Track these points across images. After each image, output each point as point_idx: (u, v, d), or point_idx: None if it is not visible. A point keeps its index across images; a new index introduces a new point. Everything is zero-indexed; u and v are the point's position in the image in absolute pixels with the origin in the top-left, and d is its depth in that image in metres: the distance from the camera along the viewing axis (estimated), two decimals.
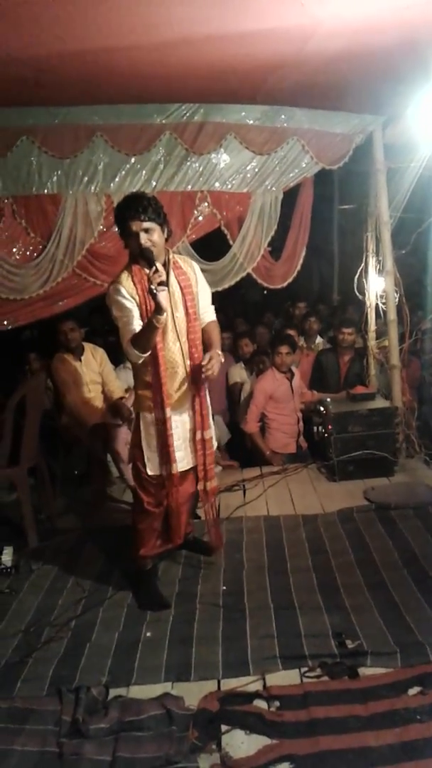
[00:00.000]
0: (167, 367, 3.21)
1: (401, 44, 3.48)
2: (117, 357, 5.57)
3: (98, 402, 4.96)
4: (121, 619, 3.28)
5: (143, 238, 3.05)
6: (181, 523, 3.54)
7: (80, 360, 4.95)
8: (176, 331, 3.24)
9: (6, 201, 4.65)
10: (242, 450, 5.68)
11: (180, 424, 3.33)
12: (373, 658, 2.79)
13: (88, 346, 5.05)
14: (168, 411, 3.22)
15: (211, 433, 3.47)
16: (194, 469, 3.45)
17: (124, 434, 4.69)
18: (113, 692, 2.71)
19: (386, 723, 2.42)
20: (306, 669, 2.77)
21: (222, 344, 6.18)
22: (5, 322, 4.86)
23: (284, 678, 2.73)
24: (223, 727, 2.46)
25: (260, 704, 2.58)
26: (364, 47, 3.54)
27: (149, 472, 3.33)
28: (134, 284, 3.13)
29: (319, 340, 6.37)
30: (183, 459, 3.36)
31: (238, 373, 6.04)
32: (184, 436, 3.37)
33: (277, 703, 2.58)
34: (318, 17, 3.13)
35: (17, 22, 2.98)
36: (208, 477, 3.47)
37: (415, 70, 3.78)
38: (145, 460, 3.32)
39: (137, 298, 3.12)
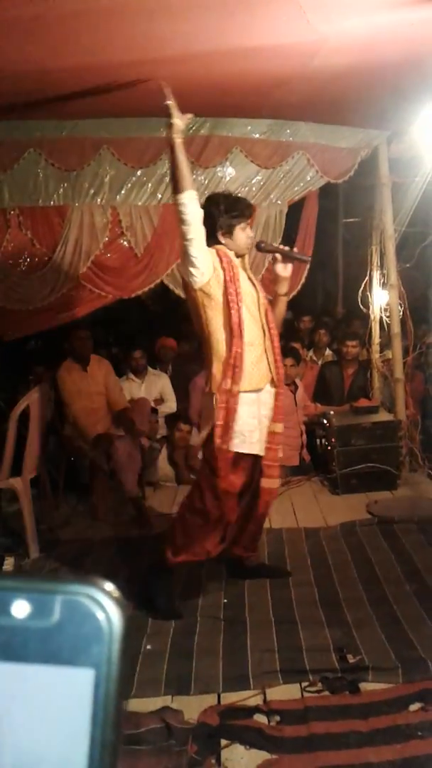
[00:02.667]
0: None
1: (406, 60, 3.51)
2: (121, 369, 5.59)
3: (102, 413, 4.96)
4: None
5: (249, 234, 3.27)
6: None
7: (86, 370, 4.96)
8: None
9: (12, 212, 4.69)
10: None
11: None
12: (375, 673, 2.77)
13: (93, 357, 5.06)
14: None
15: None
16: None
17: (126, 445, 4.69)
18: None
19: (387, 739, 2.40)
20: (307, 683, 2.75)
21: None
22: (10, 332, 4.88)
23: (285, 692, 2.72)
24: (223, 742, 2.44)
25: (260, 719, 2.56)
26: (369, 63, 3.57)
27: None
28: (219, 258, 3.16)
29: (327, 352, 6.37)
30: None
31: None
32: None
33: (277, 718, 2.56)
34: (324, 33, 3.16)
35: (25, 37, 3.02)
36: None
37: (420, 86, 3.81)
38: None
39: (219, 270, 3.13)
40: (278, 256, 3.44)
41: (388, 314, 5.37)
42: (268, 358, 3.23)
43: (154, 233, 4.91)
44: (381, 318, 5.54)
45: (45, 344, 6.60)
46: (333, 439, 4.99)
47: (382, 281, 5.48)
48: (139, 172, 4.78)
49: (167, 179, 4.82)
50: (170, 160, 3.01)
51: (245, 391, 3.13)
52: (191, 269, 3.06)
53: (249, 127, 4.85)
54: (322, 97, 4.24)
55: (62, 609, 0.35)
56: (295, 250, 3.50)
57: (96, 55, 3.34)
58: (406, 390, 5.28)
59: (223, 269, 3.12)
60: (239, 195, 3.66)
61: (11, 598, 0.35)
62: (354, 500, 4.78)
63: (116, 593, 0.36)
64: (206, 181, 4.90)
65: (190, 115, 3.03)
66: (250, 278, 3.27)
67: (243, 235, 3.23)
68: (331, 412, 5.22)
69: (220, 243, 3.20)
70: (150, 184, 4.84)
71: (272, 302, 3.43)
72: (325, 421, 5.21)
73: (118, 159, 4.69)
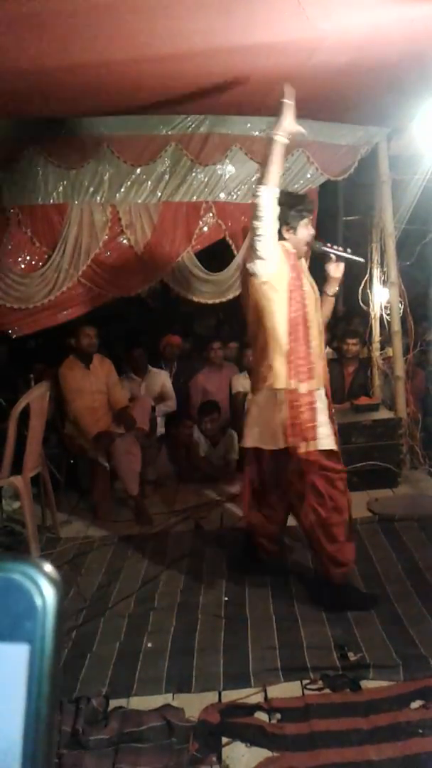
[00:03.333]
0: None
1: (406, 57, 3.49)
2: (121, 367, 5.59)
3: (102, 411, 4.96)
4: (122, 629, 3.27)
5: (311, 231, 3.34)
6: None
7: (88, 368, 4.96)
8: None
9: (12, 211, 4.68)
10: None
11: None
12: (376, 671, 2.77)
13: (96, 356, 5.05)
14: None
15: None
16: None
17: (126, 444, 4.69)
18: (113, 703, 2.70)
19: (388, 736, 2.40)
20: (308, 681, 2.76)
21: (227, 353, 6.22)
22: (10, 331, 4.88)
23: (286, 690, 2.72)
24: (224, 740, 2.45)
25: (261, 716, 2.57)
26: (369, 60, 3.56)
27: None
28: (286, 254, 3.22)
29: (328, 350, 6.36)
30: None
31: (242, 383, 6.02)
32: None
33: (278, 716, 2.57)
34: (323, 30, 3.15)
35: (24, 34, 3.01)
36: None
37: (421, 83, 3.79)
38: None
39: (286, 266, 3.19)
40: (332, 256, 3.46)
41: (388, 312, 5.37)
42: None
43: (154, 231, 4.90)
44: (381, 316, 5.53)
45: (45, 342, 6.59)
46: None
47: (382, 279, 5.47)
48: (138, 170, 4.76)
49: (167, 177, 4.83)
50: (266, 154, 3.12)
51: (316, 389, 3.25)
52: (259, 262, 3.12)
53: (248, 125, 4.84)
54: (321, 95, 4.22)
55: None
56: (349, 250, 3.50)
57: (95, 53, 3.32)
58: (407, 388, 5.27)
59: (290, 266, 3.19)
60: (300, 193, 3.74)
61: None
62: (355, 498, 4.70)
63: (52, 572, 0.36)
64: (206, 179, 4.89)
65: (302, 130, 3.18)
66: (308, 279, 3.34)
67: (306, 231, 3.30)
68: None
69: (283, 239, 3.23)
70: (150, 182, 4.83)
71: (321, 300, 3.47)
72: None
73: (117, 157, 4.69)
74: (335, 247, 3.50)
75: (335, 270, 3.47)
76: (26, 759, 0.34)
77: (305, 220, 3.30)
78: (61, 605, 0.36)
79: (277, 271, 3.14)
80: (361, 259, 3.87)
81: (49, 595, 0.36)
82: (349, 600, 3.32)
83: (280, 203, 3.17)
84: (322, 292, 3.48)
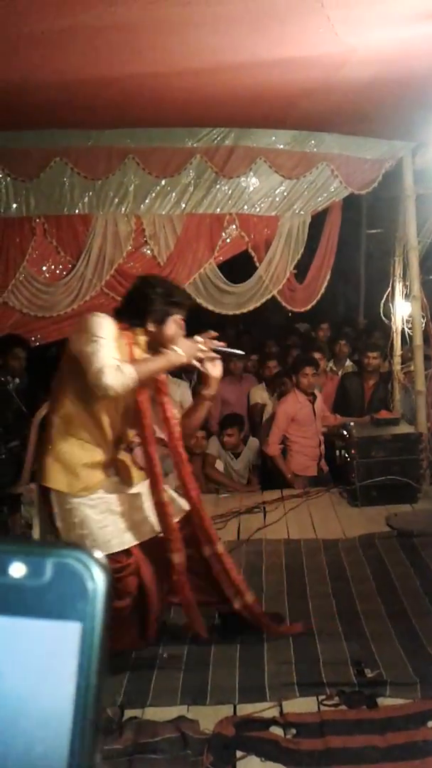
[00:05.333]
0: None
1: None
2: None
3: None
4: None
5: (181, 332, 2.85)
6: None
7: None
8: None
9: (38, 220, 4.74)
10: (263, 472, 5.66)
11: None
12: (393, 688, 2.74)
13: None
14: None
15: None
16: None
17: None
18: (128, 713, 2.69)
19: (404, 755, 2.37)
20: (324, 697, 2.73)
21: (247, 365, 6.22)
22: (33, 339, 4.93)
23: (301, 705, 2.70)
24: (238, 753, 2.43)
25: (276, 731, 2.55)
26: (396, 74, 3.57)
27: None
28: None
29: (348, 363, 6.35)
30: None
31: (260, 394, 6.03)
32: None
33: (293, 731, 2.54)
34: (351, 45, 3.17)
35: (54, 48, 3.06)
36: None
37: None
38: None
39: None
40: (212, 354, 2.85)
41: (410, 326, 5.34)
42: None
43: (177, 242, 4.94)
44: (403, 329, 5.51)
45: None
46: (353, 451, 4.96)
47: (404, 293, 5.46)
48: (163, 182, 4.81)
49: (191, 189, 4.87)
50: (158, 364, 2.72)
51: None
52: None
53: (273, 138, 4.87)
54: (347, 108, 4.25)
55: (54, 570, 0.40)
56: (223, 344, 2.92)
57: (125, 67, 3.37)
58: (428, 402, 5.24)
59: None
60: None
61: (9, 561, 0.40)
62: (373, 512, 4.74)
63: (101, 558, 0.41)
64: (230, 191, 4.92)
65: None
66: None
67: (175, 328, 2.80)
68: (352, 424, 5.20)
69: (143, 329, 2.77)
70: (174, 194, 4.88)
71: (195, 405, 3.05)
72: (345, 433, 5.19)
73: (142, 168, 4.73)
74: (214, 342, 2.88)
75: (213, 368, 2.84)
76: (76, 725, 0.39)
77: (177, 316, 2.82)
78: (109, 588, 0.40)
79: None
80: (241, 352, 3.47)
81: (99, 578, 0.40)
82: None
83: (154, 289, 2.80)
84: (195, 394, 3.02)
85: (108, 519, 2.81)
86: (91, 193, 4.76)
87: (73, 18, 2.73)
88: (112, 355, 2.56)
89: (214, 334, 2.91)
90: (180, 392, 5.87)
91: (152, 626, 3.05)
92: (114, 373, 2.49)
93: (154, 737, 2.51)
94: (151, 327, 2.78)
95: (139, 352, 2.76)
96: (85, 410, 2.74)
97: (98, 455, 2.80)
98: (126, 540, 2.84)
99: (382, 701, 2.68)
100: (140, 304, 2.78)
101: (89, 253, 4.80)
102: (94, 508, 2.77)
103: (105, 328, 2.65)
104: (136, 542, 2.87)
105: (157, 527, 2.92)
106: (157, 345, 2.79)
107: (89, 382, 2.53)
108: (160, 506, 2.87)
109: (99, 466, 2.80)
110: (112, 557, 2.72)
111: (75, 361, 2.65)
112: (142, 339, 2.79)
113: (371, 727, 2.52)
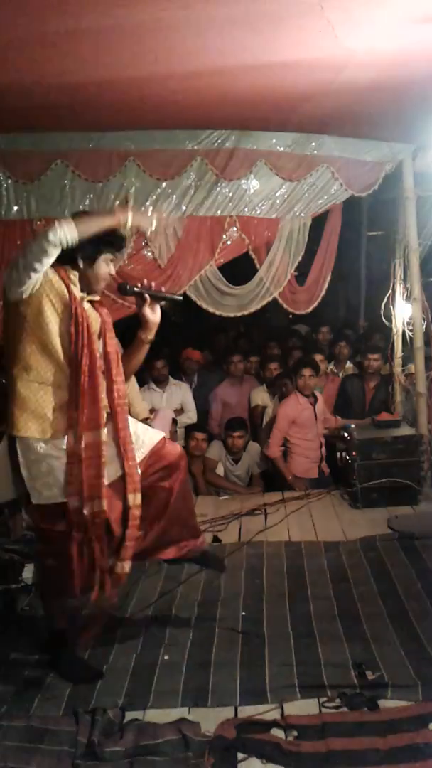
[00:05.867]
0: None
1: None
2: (142, 378, 5.62)
3: None
4: (139, 641, 3.26)
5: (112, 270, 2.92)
6: None
7: None
8: None
9: (38, 223, 4.74)
10: (264, 474, 5.66)
11: None
12: (394, 690, 2.74)
13: None
14: None
15: None
16: None
17: None
18: (129, 715, 2.69)
19: (406, 758, 2.37)
20: (325, 699, 2.73)
21: (247, 367, 6.23)
22: None
23: (302, 707, 2.70)
24: (240, 755, 2.43)
25: (277, 733, 2.55)
26: (396, 78, 3.58)
27: None
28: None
29: (348, 365, 6.35)
30: None
31: (261, 396, 6.04)
32: None
33: (294, 733, 2.54)
34: (351, 48, 3.18)
35: (55, 51, 3.07)
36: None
37: None
38: None
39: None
40: (147, 297, 2.98)
41: (411, 328, 5.35)
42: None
43: (178, 244, 4.94)
44: (404, 331, 5.51)
45: None
46: (354, 453, 4.97)
47: (405, 295, 5.46)
48: (164, 184, 4.81)
49: (192, 191, 4.87)
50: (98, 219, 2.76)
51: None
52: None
53: (274, 140, 4.87)
54: (347, 111, 4.25)
55: None
56: (163, 288, 3.11)
57: (126, 70, 3.38)
58: (429, 404, 5.24)
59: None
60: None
61: None
62: (374, 514, 4.74)
63: None
64: (231, 194, 4.92)
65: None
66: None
67: (106, 267, 2.85)
68: (353, 426, 5.20)
69: (75, 265, 2.79)
70: (175, 196, 4.88)
71: (133, 347, 3.08)
72: (346, 435, 5.19)
73: (143, 171, 4.74)
74: (146, 285, 3.03)
75: (151, 313, 2.99)
76: None
77: (109, 255, 2.85)
78: None
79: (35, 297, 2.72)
80: (179, 297, 3.46)
81: None
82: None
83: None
84: (134, 337, 3.05)
85: None
86: (92, 196, 4.76)
87: (74, 21, 2.73)
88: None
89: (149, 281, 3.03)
90: (181, 394, 5.88)
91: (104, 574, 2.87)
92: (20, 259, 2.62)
93: (155, 739, 2.51)
94: (81, 264, 2.79)
95: (76, 291, 2.78)
96: (39, 351, 2.74)
97: (64, 397, 2.78)
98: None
99: (383, 703, 2.68)
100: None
101: None
102: (60, 459, 2.76)
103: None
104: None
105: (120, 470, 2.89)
106: (89, 284, 2.84)
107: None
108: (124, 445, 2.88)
109: (65, 408, 2.78)
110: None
111: (14, 306, 2.72)
112: (75, 277, 2.81)
113: (372, 730, 2.52)
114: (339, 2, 2.68)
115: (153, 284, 3.06)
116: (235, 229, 5.03)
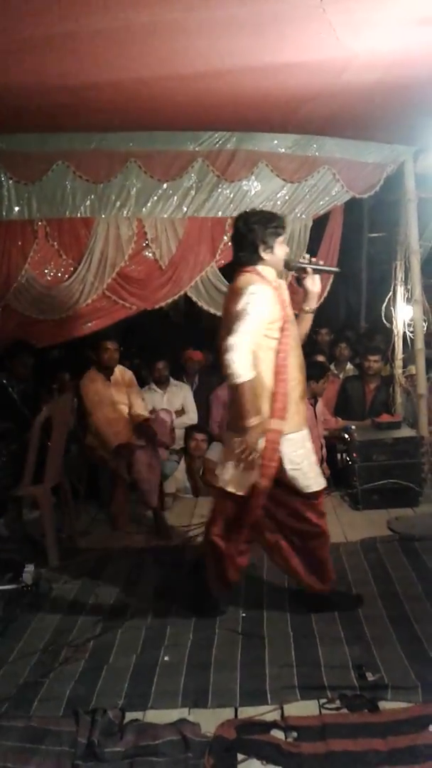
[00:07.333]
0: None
1: None
2: (143, 379, 5.62)
3: (123, 423, 4.98)
4: (140, 642, 3.27)
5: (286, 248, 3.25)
6: None
7: (109, 380, 4.99)
8: None
9: (40, 223, 4.75)
10: None
11: None
12: (394, 692, 2.74)
13: (117, 368, 5.08)
14: None
15: None
16: None
17: (147, 456, 4.71)
18: (129, 716, 2.69)
19: (406, 759, 2.36)
20: (325, 700, 2.73)
21: None
22: (36, 341, 4.94)
23: (302, 708, 2.70)
24: (240, 756, 2.43)
25: (277, 734, 2.55)
26: (398, 80, 3.58)
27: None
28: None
29: (349, 366, 6.35)
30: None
31: None
32: None
33: (294, 734, 2.54)
34: (353, 50, 3.18)
35: (56, 52, 3.07)
36: None
37: None
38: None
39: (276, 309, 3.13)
40: (309, 270, 3.31)
41: (411, 329, 5.35)
42: None
43: (179, 246, 4.95)
44: (405, 333, 5.51)
45: (68, 353, 6.65)
46: (354, 454, 4.97)
47: (406, 296, 5.46)
48: (165, 185, 4.82)
49: (193, 192, 4.87)
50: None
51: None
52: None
53: (275, 142, 4.87)
54: (349, 113, 4.25)
55: None
56: (321, 261, 3.46)
57: (127, 71, 3.38)
58: (429, 406, 5.24)
59: (280, 303, 3.14)
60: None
61: None
62: (375, 516, 4.74)
63: None
64: (232, 195, 4.92)
65: None
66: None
67: (282, 249, 3.20)
68: (353, 427, 5.20)
69: (261, 260, 3.15)
70: (176, 197, 4.88)
71: (297, 318, 3.36)
72: (346, 436, 5.19)
73: (144, 172, 4.74)
74: (311, 259, 3.39)
75: (312, 284, 3.32)
76: None
77: (281, 238, 3.18)
78: None
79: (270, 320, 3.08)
80: (337, 269, 3.88)
81: None
82: (332, 601, 3.42)
83: (254, 222, 3.13)
84: (299, 309, 3.37)
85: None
86: (93, 197, 4.77)
87: (75, 22, 2.74)
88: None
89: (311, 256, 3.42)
90: (182, 395, 5.88)
91: None
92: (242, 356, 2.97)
93: (155, 740, 2.51)
94: (265, 256, 3.13)
95: (285, 294, 3.20)
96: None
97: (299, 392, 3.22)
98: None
99: (383, 705, 2.68)
100: (248, 240, 3.13)
101: (91, 256, 4.81)
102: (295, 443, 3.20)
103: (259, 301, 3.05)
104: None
105: None
106: (275, 269, 3.20)
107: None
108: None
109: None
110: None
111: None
112: (271, 273, 3.17)
113: (373, 731, 2.52)
114: (340, 4, 2.68)
115: (314, 259, 3.39)
116: None
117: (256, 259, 3.15)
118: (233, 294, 3.14)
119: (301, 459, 3.23)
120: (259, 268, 3.15)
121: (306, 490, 3.26)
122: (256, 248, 3.12)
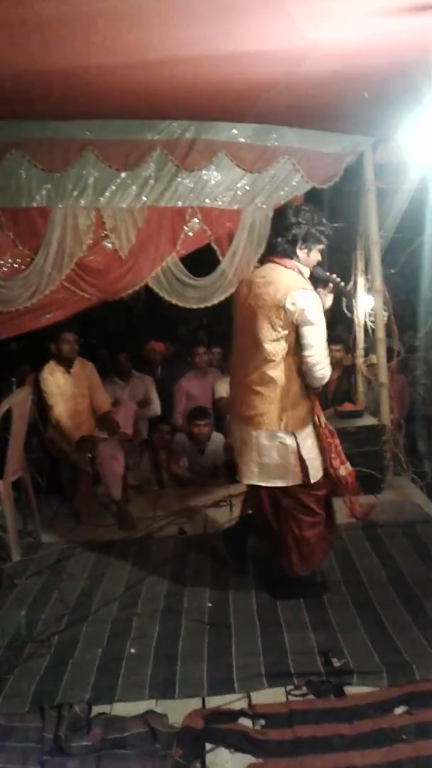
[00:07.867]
0: None
1: (393, 68, 3.53)
2: (105, 372, 5.57)
3: (85, 415, 4.93)
4: (105, 635, 3.25)
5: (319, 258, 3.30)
6: None
7: (69, 372, 4.93)
8: None
9: None
10: (228, 464, 5.66)
11: None
12: (360, 677, 2.78)
13: (77, 360, 5.02)
14: None
15: None
16: None
17: (110, 448, 4.67)
18: (96, 709, 2.68)
19: (372, 742, 2.41)
20: (292, 687, 2.76)
21: (211, 359, 6.21)
22: None
23: (270, 696, 2.72)
24: (208, 746, 2.44)
25: (245, 722, 2.56)
26: (356, 70, 3.59)
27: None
28: None
29: None
30: None
31: (225, 388, 6.02)
32: None
33: (262, 722, 2.56)
34: (312, 40, 3.17)
35: (8, 39, 3.00)
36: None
37: (406, 93, 3.83)
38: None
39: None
40: (330, 285, 3.38)
41: (372, 319, 5.40)
42: None
43: (138, 235, 4.88)
44: (366, 323, 5.56)
45: (27, 345, 6.55)
46: None
47: (367, 286, 5.51)
48: (123, 175, 4.74)
49: (152, 182, 4.81)
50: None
51: None
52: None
53: (234, 131, 4.84)
54: (308, 103, 4.26)
55: None
56: (339, 279, 3.45)
57: (82, 59, 3.32)
58: (391, 394, 5.31)
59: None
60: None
61: None
62: (338, 503, 4.76)
63: None
64: (191, 184, 4.88)
65: None
66: None
67: (316, 256, 3.26)
68: None
69: (295, 254, 3.20)
70: (134, 187, 4.81)
71: None
72: None
73: (102, 161, 4.66)
74: (333, 276, 3.42)
75: (326, 300, 3.37)
76: None
77: (321, 246, 3.26)
78: None
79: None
80: (350, 295, 3.93)
81: None
82: (300, 588, 3.48)
83: (305, 217, 3.19)
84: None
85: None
86: (49, 186, 4.67)
87: (29, 8, 2.67)
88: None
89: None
90: (144, 385, 5.85)
91: None
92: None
93: (122, 732, 2.51)
94: (300, 254, 3.20)
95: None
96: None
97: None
98: None
99: (349, 690, 2.72)
100: (292, 230, 3.17)
101: (48, 246, 4.71)
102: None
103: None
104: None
105: None
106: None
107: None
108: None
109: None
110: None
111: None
112: (305, 271, 3.22)
113: (339, 716, 2.56)
114: None
115: (333, 275, 3.41)
116: (196, 220, 4.99)
117: (291, 253, 3.19)
118: (276, 286, 3.14)
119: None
120: (300, 266, 3.21)
121: (312, 480, 3.34)
122: (296, 243, 3.17)
